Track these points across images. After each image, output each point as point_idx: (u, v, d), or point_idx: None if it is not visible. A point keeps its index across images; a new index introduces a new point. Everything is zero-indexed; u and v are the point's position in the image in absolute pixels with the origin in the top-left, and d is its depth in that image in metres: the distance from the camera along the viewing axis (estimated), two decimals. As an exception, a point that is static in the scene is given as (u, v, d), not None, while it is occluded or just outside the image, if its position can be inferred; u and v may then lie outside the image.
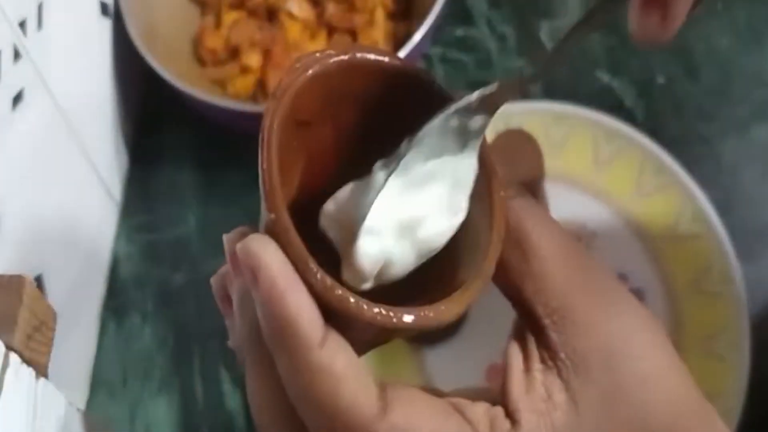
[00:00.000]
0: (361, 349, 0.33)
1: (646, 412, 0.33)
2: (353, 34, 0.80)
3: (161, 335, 0.73)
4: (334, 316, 0.31)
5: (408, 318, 0.31)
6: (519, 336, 0.35)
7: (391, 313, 0.30)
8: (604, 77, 0.81)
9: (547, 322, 0.34)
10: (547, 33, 0.84)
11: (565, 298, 0.34)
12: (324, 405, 0.30)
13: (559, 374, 0.33)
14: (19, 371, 0.43)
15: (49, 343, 0.47)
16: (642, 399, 0.33)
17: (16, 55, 0.59)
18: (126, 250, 0.77)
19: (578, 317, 0.34)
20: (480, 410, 0.33)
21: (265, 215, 0.32)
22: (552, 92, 0.79)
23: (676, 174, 0.70)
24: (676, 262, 0.69)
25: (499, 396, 0.34)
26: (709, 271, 0.68)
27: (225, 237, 0.34)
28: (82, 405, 0.70)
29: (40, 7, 0.63)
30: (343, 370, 0.30)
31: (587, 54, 0.82)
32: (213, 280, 0.38)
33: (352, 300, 0.30)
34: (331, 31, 0.81)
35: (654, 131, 0.72)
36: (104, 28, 0.76)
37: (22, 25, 0.60)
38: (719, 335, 0.66)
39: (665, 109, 0.79)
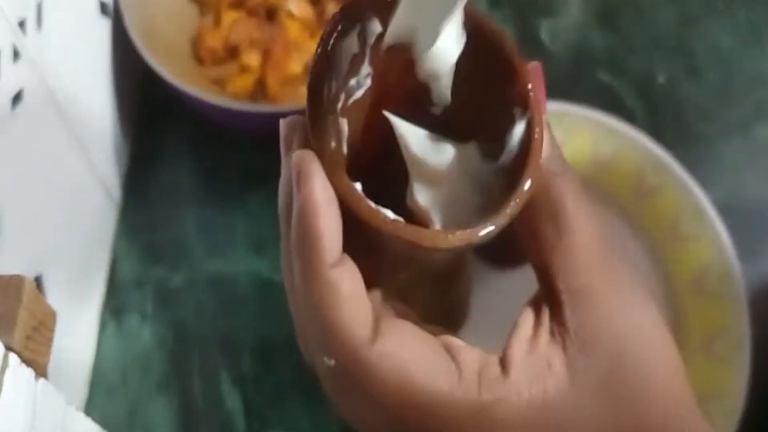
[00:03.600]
0: (391, 277, 0.36)
1: (640, 410, 0.34)
2: (353, 33, 0.80)
3: (160, 335, 0.73)
4: (359, 235, 0.33)
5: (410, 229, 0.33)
6: (535, 305, 0.37)
7: (403, 225, 0.33)
8: (605, 77, 0.81)
9: (565, 298, 0.35)
10: (547, 32, 0.84)
11: (588, 280, 0.35)
12: (322, 318, 0.33)
13: (564, 349, 0.35)
14: (18, 372, 0.43)
15: (48, 344, 0.47)
16: (639, 396, 0.35)
17: (16, 54, 0.59)
18: (125, 249, 0.77)
19: (596, 303, 0.35)
20: (472, 355, 0.34)
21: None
22: (551, 91, 0.78)
23: (676, 174, 0.70)
24: (677, 262, 0.69)
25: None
26: (709, 271, 0.68)
27: (282, 121, 0.37)
28: (81, 405, 0.70)
29: (39, 7, 0.63)
30: (347, 292, 0.33)
31: (588, 54, 0.83)
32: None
33: (365, 204, 0.33)
34: (330, 30, 0.80)
35: (654, 131, 0.72)
36: (103, 27, 0.76)
37: (21, 24, 0.60)
38: (720, 336, 0.66)
39: (666, 108, 0.79)
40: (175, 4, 0.82)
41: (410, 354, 0.33)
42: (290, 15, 0.80)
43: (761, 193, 0.75)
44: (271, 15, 0.81)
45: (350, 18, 0.36)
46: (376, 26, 0.36)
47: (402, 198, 0.38)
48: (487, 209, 0.35)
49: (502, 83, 0.37)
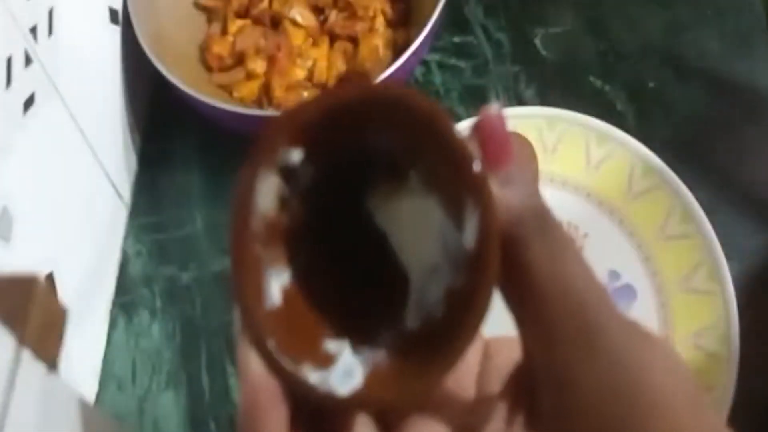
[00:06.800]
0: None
1: None
2: (354, 41, 0.81)
3: (169, 331, 0.74)
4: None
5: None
6: (509, 394, 0.33)
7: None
8: (596, 82, 0.82)
9: (539, 378, 0.31)
10: (541, 40, 0.85)
11: (570, 373, 0.29)
12: None
13: None
14: (30, 366, 0.44)
15: (60, 339, 0.47)
16: None
17: (28, 60, 0.60)
18: (135, 249, 0.78)
19: (580, 395, 0.29)
20: None
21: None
22: (545, 97, 0.80)
23: (665, 175, 0.71)
24: (666, 260, 0.70)
25: None
26: (698, 269, 0.68)
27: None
28: (92, 399, 0.71)
29: (50, 14, 0.64)
30: None
31: (579, 59, 0.84)
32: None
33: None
34: (333, 38, 0.82)
35: (645, 134, 0.73)
36: (113, 34, 0.77)
37: (33, 31, 0.61)
38: (708, 332, 0.66)
39: (655, 113, 0.80)
40: (184, 12, 0.83)
41: None
42: (294, 23, 0.81)
43: (747, 193, 0.75)
44: (275, 23, 0.82)
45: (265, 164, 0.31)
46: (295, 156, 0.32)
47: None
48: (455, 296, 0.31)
49: (448, 170, 0.30)
